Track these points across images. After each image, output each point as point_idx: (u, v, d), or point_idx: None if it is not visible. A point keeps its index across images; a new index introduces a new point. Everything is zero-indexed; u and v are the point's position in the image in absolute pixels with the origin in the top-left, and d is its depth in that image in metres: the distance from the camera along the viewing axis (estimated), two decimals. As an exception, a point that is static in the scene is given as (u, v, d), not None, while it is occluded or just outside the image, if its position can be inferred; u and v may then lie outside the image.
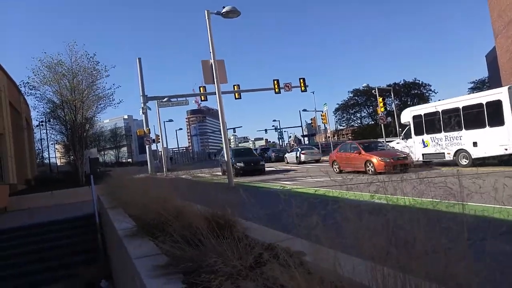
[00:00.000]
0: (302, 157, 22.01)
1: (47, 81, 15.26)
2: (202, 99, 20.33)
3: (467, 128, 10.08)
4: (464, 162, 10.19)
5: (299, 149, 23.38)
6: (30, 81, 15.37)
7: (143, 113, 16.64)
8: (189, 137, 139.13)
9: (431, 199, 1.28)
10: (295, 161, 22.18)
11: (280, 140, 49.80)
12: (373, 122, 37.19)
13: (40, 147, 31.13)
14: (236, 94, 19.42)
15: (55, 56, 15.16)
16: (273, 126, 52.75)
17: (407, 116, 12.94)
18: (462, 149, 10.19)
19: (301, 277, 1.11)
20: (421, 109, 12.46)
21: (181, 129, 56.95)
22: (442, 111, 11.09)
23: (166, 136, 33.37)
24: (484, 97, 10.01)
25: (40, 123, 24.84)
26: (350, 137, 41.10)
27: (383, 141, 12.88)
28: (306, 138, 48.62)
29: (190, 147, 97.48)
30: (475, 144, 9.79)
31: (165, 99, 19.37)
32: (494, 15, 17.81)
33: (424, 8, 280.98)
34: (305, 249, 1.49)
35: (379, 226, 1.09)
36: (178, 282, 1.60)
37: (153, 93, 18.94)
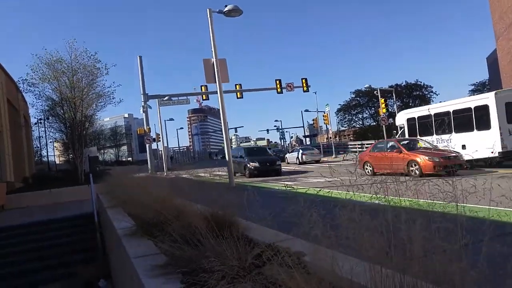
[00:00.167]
0: (303, 158, 22.05)
1: (46, 78, 15.26)
2: (204, 98, 20.26)
3: (456, 131, 10.42)
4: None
5: (300, 150, 23.53)
6: (29, 78, 15.37)
7: (143, 111, 16.64)
8: (190, 137, 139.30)
9: (428, 200, 1.27)
10: (296, 162, 22.29)
11: (282, 140, 49.83)
12: (375, 123, 37.13)
13: (38, 145, 31.14)
14: (238, 93, 19.40)
15: (54, 53, 15.16)
16: (275, 126, 52.78)
17: (401, 118, 13.29)
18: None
19: (300, 278, 1.10)
20: (415, 112, 12.82)
21: (182, 128, 57.03)
22: (434, 114, 11.53)
23: (166, 135, 33.41)
24: (472, 101, 10.38)
25: (39, 121, 24.82)
26: (351, 138, 41.04)
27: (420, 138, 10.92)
28: (308, 139, 48.60)
29: (191, 147, 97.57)
30: (463, 146, 10.06)
31: (166, 98, 19.37)
32: (495, 17, 17.78)
33: (425, 9, 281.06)
34: (305, 249, 1.48)
35: (378, 227, 1.09)
36: (176, 282, 1.58)
37: (154, 91, 18.97)
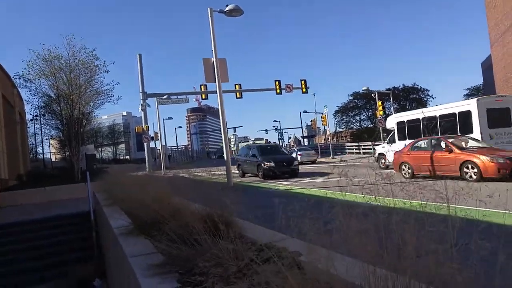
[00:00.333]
0: (299, 158, 22.37)
1: (43, 74, 15.09)
2: (203, 97, 20.22)
3: (442, 135, 10.80)
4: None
5: (296, 150, 23.84)
6: (25, 73, 15.19)
7: (142, 110, 16.54)
8: (189, 136, 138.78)
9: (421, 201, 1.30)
10: None
11: (280, 141, 49.91)
12: (372, 125, 37.34)
13: (33, 142, 30.77)
14: (237, 93, 19.39)
15: (52, 49, 15.00)
16: (273, 126, 52.81)
17: (392, 122, 13.66)
18: None
19: (296, 278, 1.10)
20: (404, 116, 13.21)
21: (180, 127, 56.70)
22: (422, 118, 11.90)
23: (165, 134, 33.24)
24: (457, 107, 10.77)
25: (34, 117, 24.54)
26: (349, 140, 41.26)
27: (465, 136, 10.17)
28: (306, 139, 48.77)
29: (190, 146, 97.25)
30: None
31: (165, 97, 19.29)
32: (491, 24, 18.01)
33: (424, 13, 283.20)
34: (301, 249, 1.49)
35: (371, 227, 1.11)
36: (173, 282, 1.58)
37: (153, 90, 18.86)
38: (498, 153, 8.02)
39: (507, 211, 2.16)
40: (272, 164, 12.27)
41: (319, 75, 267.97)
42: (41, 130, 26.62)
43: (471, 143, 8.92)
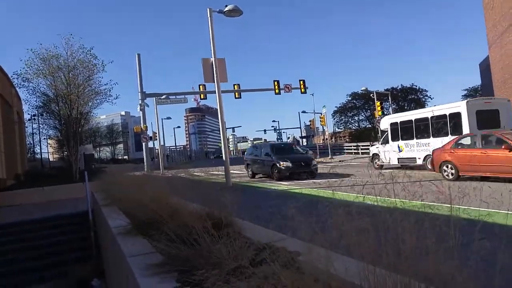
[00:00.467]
0: None
1: (41, 73, 15.01)
2: (202, 97, 20.19)
3: (434, 136, 11.11)
4: (431, 166, 10.98)
5: None
6: (23, 72, 15.11)
7: (140, 109, 16.49)
8: (187, 136, 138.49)
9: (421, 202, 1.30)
10: None
11: (279, 141, 49.98)
12: (370, 126, 37.49)
13: (31, 142, 30.61)
14: (236, 93, 19.38)
15: (51, 48, 14.93)
16: (272, 126, 52.98)
17: (385, 123, 13.82)
18: (430, 154, 10.99)
19: (295, 277, 1.10)
20: (398, 117, 13.43)
21: (179, 127, 56.65)
22: (415, 119, 12.10)
23: (163, 134, 33.16)
24: (447, 109, 11.01)
25: (32, 117, 24.40)
26: (347, 140, 41.38)
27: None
28: (304, 140, 48.87)
29: (188, 146, 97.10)
30: None
31: (164, 96, 19.25)
32: (489, 25, 18.14)
33: (424, 14, 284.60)
34: (300, 249, 1.49)
35: (371, 226, 1.11)
36: (172, 281, 1.58)
37: (151, 90, 18.82)
38: None
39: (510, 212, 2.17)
40: (289, 164, 11.05)
41: (318, 75, 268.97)
42: (39, 129, 26.49)
43: None
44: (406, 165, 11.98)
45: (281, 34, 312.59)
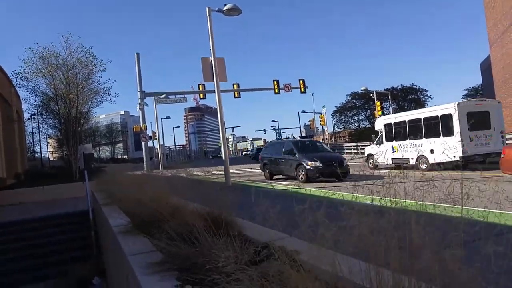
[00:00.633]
0: None
1: (40, 72, 14.98)
2: (201, 97, 20.18)
3: (426, 136, 11.37)
4: (423, 166, 11.23)
5: None
6: (22, 71, 15.09)
7: (140, 109, 16.49)
8: (187, 135, 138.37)
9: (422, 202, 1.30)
10: None
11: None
12: (370, 125, 37.51)
13: (31, 141, 30.59)
14: (236, 93, 19.38)
15: (49, 47, 14.90)
16: (271, 126, 52.96)
17: (380, 124, 14.06)
18: (422, 155, 11.35)
19: (296, 276, 1.11)
20: (392, 118, 13.69)
21: (178, 126, 56.69)
22: (408, 120, 12.38)
23: (163, 133, 33.18)
24: (439, 110, 11.26)
25: (32, 116, 24.39)
26: (347, 140, 41.41)
27: None
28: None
29: (188, 145, 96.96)
30: (432, 151, 10.90)
31: (163, 96, 19.23)
32: (490, 24, 18.14)
33: (424, 13, 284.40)
34: (300, 248, 1.50)
35: (380, 227, 1.09)
36: (172, 279, 1.60)
37: (151, 89, 18.80)
38: None
39: None
40: (318, 164, 9.56)
41: (318, 75, 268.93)
42: (38, 129, 26.46)
43: None
44: (399, 165, 12.13)
45: (281, 33, 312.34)
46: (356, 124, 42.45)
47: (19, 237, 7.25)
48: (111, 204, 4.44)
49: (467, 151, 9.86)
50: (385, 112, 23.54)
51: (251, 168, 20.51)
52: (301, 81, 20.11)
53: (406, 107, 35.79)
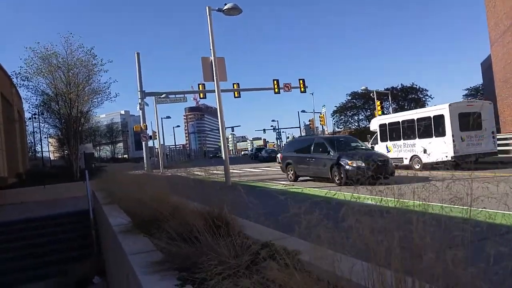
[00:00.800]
0: None
1: (41, 72, 14.99)
2: (201, 96, 20.17)
3: (419, 137, 11.60)
4: (417, 166, 11.46)
5: None
6: (22, 71, 15.10)
7: (140, 108, 16.49)
8: (187, 135, 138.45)
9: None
10: None
11: (278, 140, 50.04)
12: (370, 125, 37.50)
13: (32, 141, 30.65)
14: (236, 92, 19.36)
15: (49, 46, 14.90)
16: (271, 126, 53.00)
17: (375, 124, 14.33)
18: (415, 155, 11.57)
19: (298, 276, 1.11)
20: (386, 119, 13.97)
21: (178, 126, 56.71)
22: (402, 121, 12.64)
23: (163, 133, 33.22)
24: (432, 111, 11.76)
25: (33, 116, 24.43)
26: (346, 139, 41.32)
27: None
28: (303, 139, 48.71)
29: (188, 145, 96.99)
30: (425, 151, 11.13)
31: (163, 95, 19.23)
32: (491, 24, 18.10)
33: (424, 13, 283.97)
34: (302, 248, 1.50)
35: (383, 227, 1.08)
36: (173, 279, 1.59)
37: (151, 89, 18.77)
38: None
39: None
40: (360, 163, 8.00)
41: (318, 74, 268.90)
42: (39, 128, 26.51)
43: None
44: (396, 164, 12.34)
45: (281, 33, 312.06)
46: (356, 124, 42.46)
47: (19, 236, 7.27)
48: (111, 204, 4.45)
49: (459, 151, 10.06)
50: (385, 112, 23.52)
51: (251, 168, 20.52)
52: (301, 81, 20.09)
53: (406, 107, 35.78)
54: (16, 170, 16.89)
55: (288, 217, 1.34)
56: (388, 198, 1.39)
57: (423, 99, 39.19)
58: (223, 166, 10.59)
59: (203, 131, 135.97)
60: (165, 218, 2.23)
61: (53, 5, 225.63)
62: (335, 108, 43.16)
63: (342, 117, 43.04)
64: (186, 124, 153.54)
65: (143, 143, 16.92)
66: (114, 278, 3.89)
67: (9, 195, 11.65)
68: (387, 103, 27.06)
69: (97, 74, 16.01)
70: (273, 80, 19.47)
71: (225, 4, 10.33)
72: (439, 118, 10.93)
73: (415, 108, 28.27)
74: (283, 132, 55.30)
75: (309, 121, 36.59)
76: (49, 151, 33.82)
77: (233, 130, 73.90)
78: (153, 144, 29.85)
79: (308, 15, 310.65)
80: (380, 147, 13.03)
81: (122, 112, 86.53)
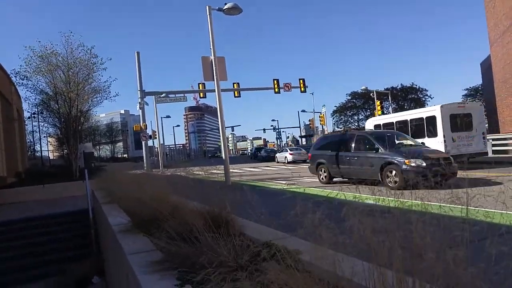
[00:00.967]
0: (290, 157, 22.76)
1: (40, 71, 14.96)
2: (201, 96, 20.16)
3: (412, 137, 11.79)
4: None
5: (288, 150, 24.53)
6: (22, 70, 15.07)
7: (140, 108, 16.46)
8: (187, 134, 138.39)
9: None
10: (284, 161, 23.17)
11: (278, 140, 50.11)
12: (370, 125, 37.47)
13: (31, 140, 30.59)
14: (236, 92, 19.35)
15: (48, 45, 14.87)
16: (271, 126, 53.03)
17: (370, 125, 14.60)
18: None
19: (298, 276, 1.11)
20: (381, 120, 14.25)
21: (178, 125, 56.78)
22: (396, 122, 12.89)
23: (163, 133, 33.25)
24: (424, 112, 12.07)
25: (32, 115, 24.38)
26: (346, 139, 41.37)
27: None
28: (304, 139, 48.96)
29: (187, 145, 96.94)
30: None
31: (163, 95, 19.21)
32: (490, 24, 18.11)
33: (424, 13, 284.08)
34: (302, 248, 1.50)
35: (383, 227, 1.08)
36: (172, 279, 1.59)
37: (151, 88, 18.76)
38: None
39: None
40: (420, 162, 6.73)
41: (318, 74, 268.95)
42: (39, 127, 26.47)
43: None
44: None
45: (281, 33, 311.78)
46: (356, 124, 42.46)
47: (19, 236, 7.26)
48: (111, 203, 4.44)
49: (450, 151, 10.19)
50: (385, 112, 23.56)
51: (251, 168, 20.53)
52: (301, 81, 20.09)
53: (406, 107, 35.81)
54: (15, 169, 16.86)
55: (289, 217, 1.33)
56: (388, 198, 1.38)
57: (423, 99, 39.22)
58: (223, 166, 10.59)
59: (203, 131, 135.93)
60: (164, 217, 2.22)
61: (53, 5, 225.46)
62: (335, 108, 43.21)
63: (342, 117, 43.07)
64: (186, 123, 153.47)
65: (143, 142, 16.89)
66: (113, 277, 3.88)
67: (8, 194, 11.62)
68: (387, 103, 27.07)
69: (97, 73, 15.99)
70: (273, 79, 19.46)
71: (225, 4, 10.31)
72: (431, 119, 11.16)
73: (415, 107, 28.32)
74: (283, 131, 55.44)
75: (309, 120, 36.64)
76: (48, 150, 33.79)
77: (233, 130, 73.90)
78: (153, 144, 29.85)
79: (309, 15, 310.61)
80: None
81: (122, 112, 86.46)
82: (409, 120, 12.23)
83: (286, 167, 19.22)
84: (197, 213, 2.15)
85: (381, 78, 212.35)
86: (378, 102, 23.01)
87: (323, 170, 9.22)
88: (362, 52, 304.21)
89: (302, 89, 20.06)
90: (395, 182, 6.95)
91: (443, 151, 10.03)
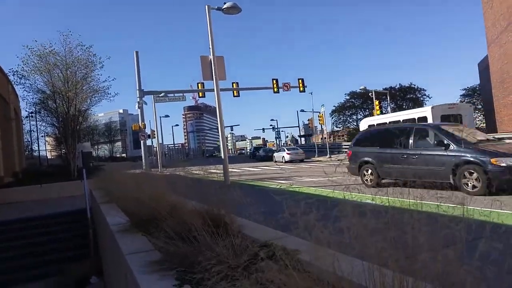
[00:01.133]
0: (287, 157, 22.86)
1: (38, 70, 14.88)
2: (200, 95, 20.12)
3: None
4: None
5: (285, 149, 24.71)
6: (19, 69, 14.98)
7: (139, 107, 16.40)
8: (186, 134, 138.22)
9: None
10: (282, 160, 23.26)
11: (277, 140, 50.15)
12: (368, 125, 37.56)
13: (29, 139, 30.41)
14: (235, 91, 19.32)
15: (47, 44, 14.79)
16: (270, 125, 53.06)
17: (364, 124, 15.05)
18: None
19: (297, 276, 1.11)
20: (375, 120, 14.80)
21: (177, 125, 56.50)
22: (389, 122, 13.35)
23: (162, 132, 33.15)
24: (416, 113, 12.57)
25: (30, 114, 24.23)
26: (345, 139, 41.58)
27: None
28: (303, 138, 49.08)
29: (186, 144, 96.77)
30: None
31: (162, 94, 19.16)
32: (488, 24, 18.18)
33: (424, 13, 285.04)
34: (301, 248, 1.50)
35: (379, 226, 1.09)
36: (171, 279, 1.59)
37: (149, 87, 18.72)
38: None
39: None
40: (511, 161, 5.28)
41: (317, 74, 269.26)
42: (36, 127, 26.30)
43: None
44: None
45: (281, 33, 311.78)
46: (355, 123, 42.60)
47: (18, 236, 7.23)
48: (109, 203, 4.43)
49: None
50: (384, 112, 23.66)
51: (250, 167, 20.54)
52: (300, 80, 20.09)
53: (404, 107, 35.95)
54: (13, 169, 16.77)
55: (287, 217, 1.33)
56: (386, 197, 1.39)
57: (421, 99, 39.38)
58: (221, 165, 10.58)
59: (202, 130, 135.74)
60: (163, 217, 2.22)
61: (53, 5, 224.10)
62: (334, 108, 43.31)
63: (340, 116, 43.17)
64: (185, 123, 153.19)
65: (142, 142, 16.84)
66: (112, 277, 3.87)
67: (6, 194, 11.56)
68: (386, 102, 27.17)
69: (95, 72, 15.91)
70: (272, 79, 19.45)
71: (225, 3, 10.29)
72: (423, 120, 11.46)
73: (414, 107, 28.49)
74: (282, 131, 55.43)
75: (308, 120, 36.75)
76: (46, 150, 33.63)
77: (232, 129, 73.71)
78: (152, 143, 29.76)
79: (309, 15, 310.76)
80: None
81: (121, 111, 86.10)
82: (401, 120, 12.58)
83: (285, 167, 19.27)
84: (195, 212, 2.14)
85: (379, 78, 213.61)
86: (376, 102, 23.07)
87: (368, 171, 7.45)
88: (362, 52, 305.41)
89: (301, 88, 20.06)
90: (474, 186, 5.48)
91: None
